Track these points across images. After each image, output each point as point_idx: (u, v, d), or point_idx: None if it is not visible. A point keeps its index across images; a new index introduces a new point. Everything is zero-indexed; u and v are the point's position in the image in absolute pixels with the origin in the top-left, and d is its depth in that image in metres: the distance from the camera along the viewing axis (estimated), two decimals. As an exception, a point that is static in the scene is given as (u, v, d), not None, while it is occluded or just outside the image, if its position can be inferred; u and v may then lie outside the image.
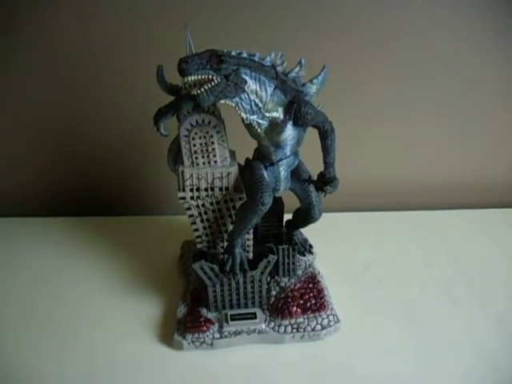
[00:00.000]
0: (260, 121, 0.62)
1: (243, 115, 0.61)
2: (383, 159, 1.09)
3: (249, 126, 0.64)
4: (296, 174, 0.71)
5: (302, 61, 0.63)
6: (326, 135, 0.65)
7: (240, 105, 0.60)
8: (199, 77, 0.55)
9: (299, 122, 0.62)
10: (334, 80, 0.96)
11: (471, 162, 1.12)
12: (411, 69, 0.99)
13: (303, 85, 0.65)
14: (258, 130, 0.63)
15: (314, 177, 0.71)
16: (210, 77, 0.55)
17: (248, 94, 0.59)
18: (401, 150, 1.09)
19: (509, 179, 1.14)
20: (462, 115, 1.06)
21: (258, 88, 0.59)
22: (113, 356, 0.70)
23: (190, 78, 0.55)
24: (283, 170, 0.68)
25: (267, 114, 0.61)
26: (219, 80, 0.56)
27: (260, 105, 0.60)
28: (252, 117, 0.61)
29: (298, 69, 0.63)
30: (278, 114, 0.62)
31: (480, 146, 1.10)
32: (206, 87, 0.56)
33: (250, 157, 0.72)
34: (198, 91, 0.56)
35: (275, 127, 0.62)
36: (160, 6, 0.90)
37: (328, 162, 0.67)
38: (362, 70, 0.98)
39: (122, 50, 0.94)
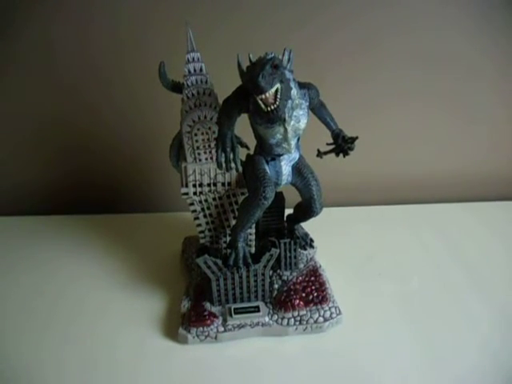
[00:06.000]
0: (294, 116, 0.61)
1: (284, 115, 0.59)
2: (383, 153, 1.10)
3: (273, 128, 0.61)
4: (297, 168, 0.71)
5: (291, 52, 0.61)
6: (323, 105, 0.68)
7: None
8: (274, 89, 0.55)
9: (314, 101, 0.64)
10: (334, 74, 0.97)
11: (471, 155, 1.13)
12: (410, 63, 1.00)
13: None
14: (288, 128, 0.61)
15: (315, 172, 0.71)
16: (278, 86, 0.55)
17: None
18: (401, 144, 1.10)
19: (508, 172, 1.15)
20: (461, 109, 1.07)
21: (291, 84, 0.59)
22: (117, 351, 0.70)
23: (269, 93, 0.54)
24: (285, 165, 0.69)
25: (296, 102, 0.60)
26: (280, 86, 0.55)
27: (293, 98, 0.59)
28: (293, 113, 0.60)
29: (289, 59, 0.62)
30: (300, 103, 0.61)
31: (480, 139, 1.11)
32: (279, 97, 0.55)
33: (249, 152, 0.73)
34: (275, 105, 0.55)
35: (301, 118, 0.62)
36: (159, 2, 0.90)
37: (337, 127, 0.68)
38: (362, 64, 0.99)
39: (121, 46, 0.94)
